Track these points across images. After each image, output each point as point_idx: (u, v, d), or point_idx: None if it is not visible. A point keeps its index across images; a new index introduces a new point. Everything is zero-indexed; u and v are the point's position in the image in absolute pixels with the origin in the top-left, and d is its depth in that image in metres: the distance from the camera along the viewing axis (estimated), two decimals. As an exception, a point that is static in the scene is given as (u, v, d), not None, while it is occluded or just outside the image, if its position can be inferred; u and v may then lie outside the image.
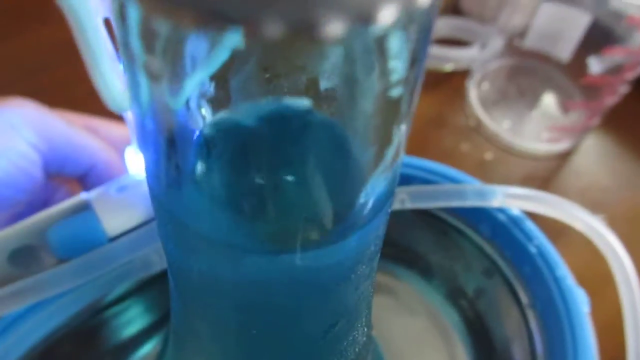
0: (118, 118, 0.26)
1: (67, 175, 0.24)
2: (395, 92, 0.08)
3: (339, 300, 0.12)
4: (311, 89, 0.08)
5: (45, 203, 0.24)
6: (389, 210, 0.11)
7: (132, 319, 0.23)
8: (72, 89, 0.34)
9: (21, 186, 0.22)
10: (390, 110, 0.09)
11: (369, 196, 0.10)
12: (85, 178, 0.24)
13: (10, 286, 0.19)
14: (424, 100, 0.42)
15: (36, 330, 0.20)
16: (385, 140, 0.09)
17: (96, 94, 0.27)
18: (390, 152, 0.09)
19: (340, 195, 0.10)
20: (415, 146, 0.40)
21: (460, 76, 0.44)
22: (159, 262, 0.20)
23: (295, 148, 0.09)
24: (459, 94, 0.43)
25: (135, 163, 0.22)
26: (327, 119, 0.09)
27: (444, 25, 0.46)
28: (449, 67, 0.44)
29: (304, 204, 0.09)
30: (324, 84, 0.08)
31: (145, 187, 0.11)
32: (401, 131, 0.09)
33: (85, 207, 0.20)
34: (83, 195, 0.20)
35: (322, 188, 0.09)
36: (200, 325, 0.13)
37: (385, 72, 0.08)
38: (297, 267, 0.10)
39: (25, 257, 0.20)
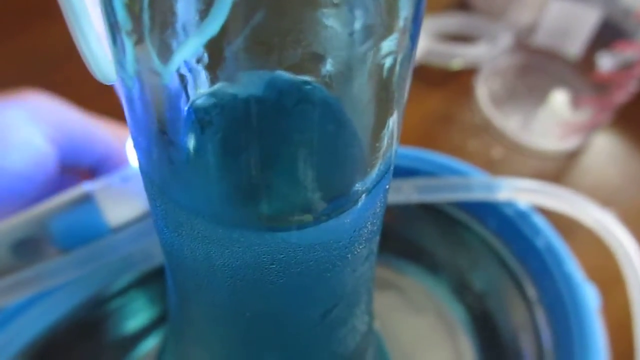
0: (124, 118, 0.26)
1: (81, 166, 0.24)
2: (389, 59, 0.08)
3: (336, 282, 0.11)
4: (307, 62, 0.08)
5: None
6: (387, 187, 0.11)
7: (135, 312, 0.23)
8: (80, 87, 0.34)
9: (35, 181, 0.22)
10: (386, 80, 0.09)
11: (364, 172, 0.10)
12: (99, 169, 0.24)
13: (12, 277, 0.19)
14: (431, 97, 0.42)
15: (38, 321, 0.20)
16: (381, 115, 0.09)
17: (104, 91, 0.27)
18: (386, 127, 0.09)
19: (336, 170, 0.10)
20: (423, 144, 0.40)
21: (468, 73, 0.43)
22: (160, 254, 0.20)
23: (290, 123, 0.09)
24: (467, 91, 0.43)
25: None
26: (322, 93, 0.09)
27: (451, 22, 0.45)
28: (456, 64, 0.43)
29: (299, 179, 0.09)
30: (319, 57, 0.08)
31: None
32: (396, 106, 0.09)
33: (87, 198, 0.20)
34: (85, 187, 0.20)
35: (317, 163, 0.09)
36: (195, 311, 0.13)
37: (380, 35, 0.08)
38: (292, 244, 0.10)
39: (27, 248, 0.20)
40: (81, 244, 0.20)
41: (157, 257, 0.20)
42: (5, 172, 0.21)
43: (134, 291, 0.23)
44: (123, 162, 0.25)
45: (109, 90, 0.23)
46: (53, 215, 0.20)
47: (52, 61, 0.42)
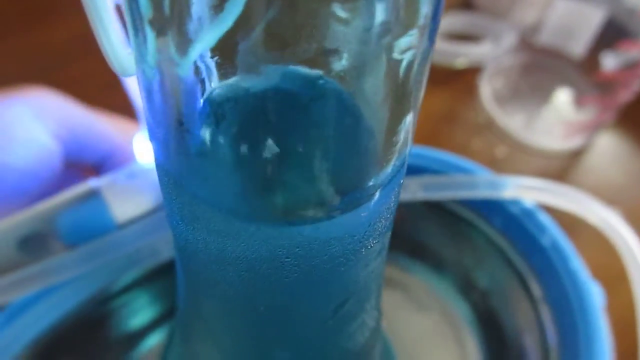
0: (130, 113, 0.26)
1: (85, 162, 0.24)
2: (408, 56, 0.08)
3: (349, 276, 0.12)
4: (321, 57, 0.08)
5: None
6: (401, 182, 0.11)
7: (140, 309, 0.23)
8: (85, 85, 0.34)
9: (40, 177, 0.22)
10: (404, 77, 0.09)
11: (380, 167, 0.10)
12: (103, 166, 0.24)
13: (18, 272, 0.19)
14: (435, 96, 0.42)
15: (43, 317, 0.20)
16: (397, 111, 0.09)
17: (108, 89, 0.27)
18: (402, 123, 0.09)
19: (352, 165, 0.10)
20: (426, 142, 0.39)
21: (472, 72, 0.43)
22: (167, 251, 0.20)
23: (305, 117, 0.09)
24: (471, 90, 0.43)
25: (144, 151, 0.22)
26: (337, 88, 0.09)
27: (455, 20, 0.45)
28: (460, 63, 0.43)
29: (314, 172, 0.09)
30: (335, 52, 0.08)
31: (154, 175, 0.11)
32: (413, 103, 0.09)
33: (94, 194, 0.20)
34: (92, 182, 0.20)
35: (332, 157, 0.09)
36: (206, 305, 0.13)
37: (398, 32, 0.08)
38: (307, 238, 0.10)
39: (34, 243, 0.20)
40: (87, 240, 0.20)
41: (164, 253, 0.20)
42: (10, 168, 0.21)
43: (139, 288, 0.23)
44: (127, 158, 0.25)
45: (113, 88, 0.23)
46: (59, 211, 0.20)
47: (56, 59, 0.42)
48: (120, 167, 0.23)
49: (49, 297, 0.20)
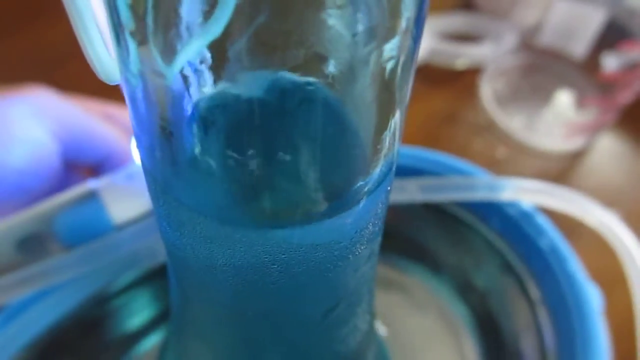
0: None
1: (83, 163, 0.24)
2: (392, 61, 0.08)
3: (338, 282, 0.11)
4: (309, 63, 0.08)
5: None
6: (388, 188, 0.11)
7: (138, 309, 0.23)
8: (84, 84, 0.34)
9: (39, 175, 0.22)
10: (388, 81, 0.09)
11: (366, 172, 0.10)
12: (101, 167, 0.25)
13: (16, 273, 0.19)
14: (435, 97, 0.42)
15: (41, 318, 0.20)
16: (383, 116, 0.09)
17: (107, 89, 0.27)
18: (388, 128, 0.09)
19: (338, 170, 0.10)
20: (427, 143, 0.39)
21: (472, 73, 0.43)
22: (164, 252, 0.20)
23: (293, 123, 0.09)
24: (472, 91, 0.43)
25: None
26: (325, 94, 0.09)
27: (456, 21, 0.45)
28: (461, 63, 0.43)
29: (301, 178, 0.09)
30: (322, 58, 0.08)
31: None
32: (398, 107, 0.09)
33: (92, 195, 0.20)
34: (90, 184, 0.21)
35: (319, 163, 0.09)
36: (197, 309, 0.13)
37: (383, 36, 0.08)
38: (293, 244, 0.10)
39: (32, 244, 0.20)
40: (85, 241, 0.20)
41: (161, 255, 0.20)
42: (9, 167, 0.21)
43: (137, 288, 0.23)
44: (126, 159, 0.25)
45: (112, 88, 0.23)
46: (58, 212, 0.20)
47: (55, 59, 0.42)
48: (119, 168, 0.23)
49: (47, 298, 0.20)
